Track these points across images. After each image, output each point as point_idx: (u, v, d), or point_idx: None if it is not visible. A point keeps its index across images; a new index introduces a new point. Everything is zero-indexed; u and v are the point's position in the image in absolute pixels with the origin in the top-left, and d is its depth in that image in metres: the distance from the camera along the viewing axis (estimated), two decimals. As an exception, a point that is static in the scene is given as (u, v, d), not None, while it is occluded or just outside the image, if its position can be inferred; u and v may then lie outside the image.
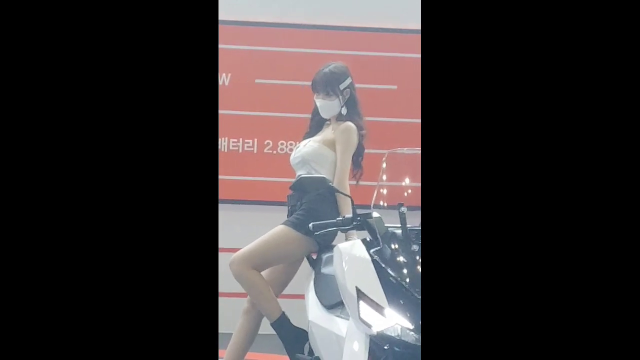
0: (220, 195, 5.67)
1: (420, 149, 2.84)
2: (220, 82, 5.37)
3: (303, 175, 2.95)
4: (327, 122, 3.41)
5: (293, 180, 3.02)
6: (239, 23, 5.45)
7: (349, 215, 2.89)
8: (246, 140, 5.43)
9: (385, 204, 2.84)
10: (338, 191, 3.03)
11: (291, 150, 5.01)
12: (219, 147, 5.33)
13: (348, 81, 3.35)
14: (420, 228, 2.72)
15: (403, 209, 2.73)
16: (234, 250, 3.44)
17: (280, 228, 3.22)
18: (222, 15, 4.76)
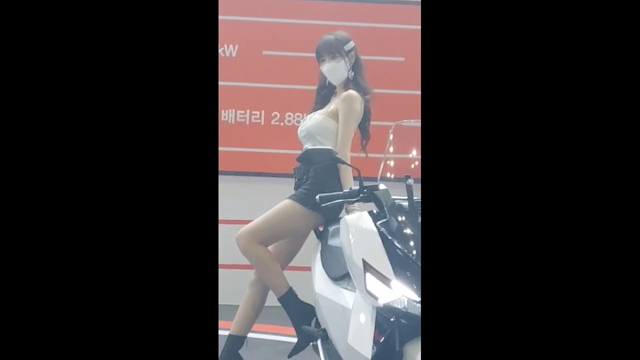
0: (228, 167, 5.68)
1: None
2: (227, 54, 5.38)
3: (309, 148, 2.96)
4: (334, 93, 3.40)
5: (300, 152, 3.04)
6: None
7: (356, 187, 2.90)
8: (253, 112, 5.43)
9: (392, 176, 2.85)
10: (345, 162, 3.04)
11: (298, 122, 5.03)
12: (227, 119, 5.34)
13: (351, 44, 3.36)
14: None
15: (410, 181, 2.73)
16: (239, 222, 3.46)
17: (286, 202, 3.23)
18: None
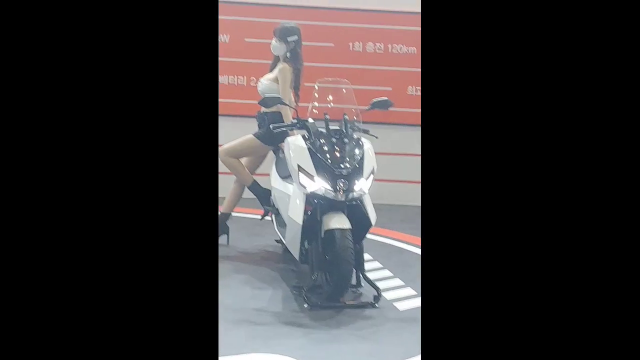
0: (230, 111, 6.65)
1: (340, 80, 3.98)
2: (222, 40, 6.55)
3: (266, 95, 4.25)
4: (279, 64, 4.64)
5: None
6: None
7: (295, 120, 4.10)
8: (239, 77, 6.70)
9: (317, 112, 3.98)
10: (286, 104, 4.23)
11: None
12: (224, 82, 6.58)
13: (294, 37, 4.56)
14: (338, 128, 3.87)
15: (327, 116, 3.92)
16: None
17: (250, 137, 4.63)
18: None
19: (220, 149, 4.63)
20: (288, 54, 4.60)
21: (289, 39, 4.58)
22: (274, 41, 4.61)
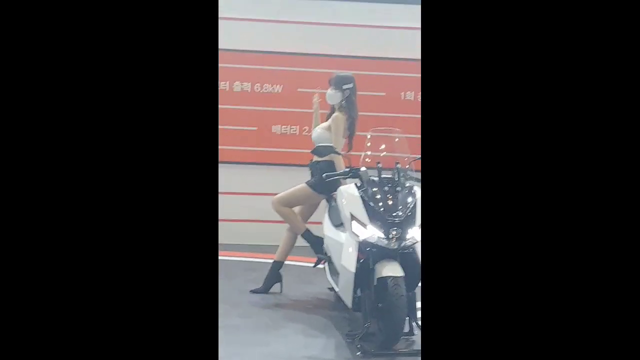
0: (283, 160, 7.07)
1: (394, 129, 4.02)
2: (275, 91, 6.77)
3: (318, 145, 4.33)
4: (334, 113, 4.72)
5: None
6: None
7: (347, 169, 4.12)
8: (292, 127, 6.87)
9: (369, 161, 4.00)
10: (339, 153, 4.30)
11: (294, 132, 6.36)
12: (279, 131, 6.79)
13: (349, 85, 4.65)
14: (390, 177, 3.91)
15: (379, 165, 3.96)
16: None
17: (303, 186, 4.68)
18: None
19: (273, 198, 4.71)
20: (343, 102, 4.66)
21: (345, 86, 4.65)
22: (329, 90, 4.69)
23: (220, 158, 6.41)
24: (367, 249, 3.75)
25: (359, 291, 3.82)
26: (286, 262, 4.92)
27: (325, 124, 4.75)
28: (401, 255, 3.73)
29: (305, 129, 6.50)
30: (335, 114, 4.65)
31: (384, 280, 3.59)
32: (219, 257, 5.81)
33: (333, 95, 4.68)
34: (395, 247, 3.69)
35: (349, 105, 4.66)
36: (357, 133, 4.72)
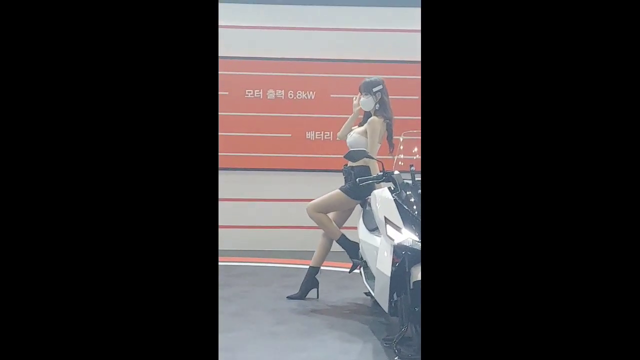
0: (316, 166, 7.10)
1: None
2: (308, 97, 6.80)
3: (351, 150, 4.32)
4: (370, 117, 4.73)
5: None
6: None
7: (380, 173, 4.17)
8: (325, 132, 6.82)
9: (402, 164, 4.01)
10: (372, 157, 4.30)
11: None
12: (313, 137, 6.78)
13: (379, 87, 4.68)
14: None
15: (412, 168, 3.96)
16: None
17: (337, 192, 4.69)
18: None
19: (308, 204, 4.74)
20: (377, 106, 4.69)
21: (375, 89, 4.69)
22: (362, 98, 4.73)
23: (255, 165, 6.40)
24: (403, 252, 3.71)
25: (395, 295, 3.78)
26: (322, 268, 4.93)
27: (360, 129, 4.76)
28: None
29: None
30: (372, 118, 4.68)
31: (420, 283, 3.55)
32: (255, 264, 5.91)
33: (366, 102, 4.73)
34: (431, 250, 3.66)
35: (382, 107, 4.70)
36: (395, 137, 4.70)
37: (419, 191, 3.85)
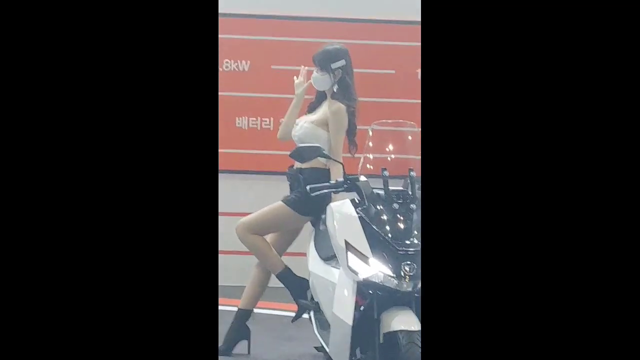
0: (241, 167, 6.18)
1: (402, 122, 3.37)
2: (240, 69, 5.97)
3: (300, 145, 3.47)
4: (325, 100, 3.89)
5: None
6: (253, 16, 6.06)
7: (341, 180, 3.36)
8: (264, 119, 6.03)
9: (372, 167, 3.31)
10: (330, 158, 3.51)
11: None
12: (241, 125, 5.97)
13: (340, 63, 3.80)
14: (402, 189, 3.26)
15: (385, 173, 3.21)
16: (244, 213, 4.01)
17: (279, 204, 3.81)
18: (238, 9, 5.16)
19: (238, 222, 3.88)
20: (335, 87, 3.84)
21: (334, 65, 3.81)
22: (314, 73, 3.87)
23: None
24: (370, 291, 3.12)
25: (358, 352, 3.21)
26: (256, 311, 4.07)
27: (313, 117, 3.92)
28: (417, 300, 3.11)
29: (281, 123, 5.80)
30: (334, 104, 3.84)
31: (393, 335, 3.02)
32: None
33: (320, 79, 3.86)
34: (409, 289, 3.09)
35: (342, 90, 3.84)
36: (358, 127, 3.89)
37: (395, 205, 3.23)
